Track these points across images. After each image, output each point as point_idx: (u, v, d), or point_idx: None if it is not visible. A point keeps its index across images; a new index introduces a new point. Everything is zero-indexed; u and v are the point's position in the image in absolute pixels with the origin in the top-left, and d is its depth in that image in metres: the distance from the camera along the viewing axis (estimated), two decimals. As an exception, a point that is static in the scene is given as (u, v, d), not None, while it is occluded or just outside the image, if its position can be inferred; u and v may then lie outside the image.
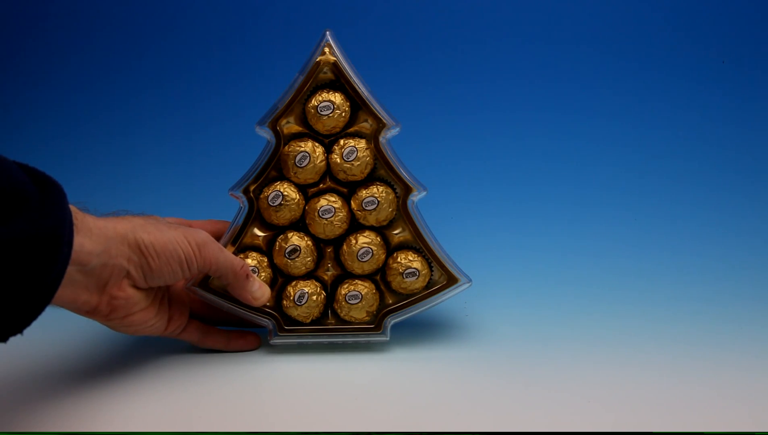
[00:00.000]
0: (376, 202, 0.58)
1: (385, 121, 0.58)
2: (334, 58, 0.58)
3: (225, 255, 0.55)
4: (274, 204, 0.58)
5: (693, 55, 1.00)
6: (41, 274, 0.41)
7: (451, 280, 0.59)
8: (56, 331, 0.62)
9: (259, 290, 0.57)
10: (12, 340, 0.41)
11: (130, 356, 0.58)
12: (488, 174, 0.96)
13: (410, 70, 1.02)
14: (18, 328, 0.41)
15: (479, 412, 0.49)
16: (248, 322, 0.59)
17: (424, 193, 0.59)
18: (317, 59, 0.58)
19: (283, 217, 0.58)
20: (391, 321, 0.59)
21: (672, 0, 1.01)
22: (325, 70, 0.58)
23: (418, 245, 0.59)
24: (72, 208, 0.45)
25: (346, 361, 0.57)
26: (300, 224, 0.60)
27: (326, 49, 0.58)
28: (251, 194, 0.59)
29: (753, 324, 0.64)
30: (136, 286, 0.51)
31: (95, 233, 0.46)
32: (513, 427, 0.47)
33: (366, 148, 0.58)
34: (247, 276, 0.56)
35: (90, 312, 0.50)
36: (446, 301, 0.60)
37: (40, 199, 0.41)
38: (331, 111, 0.57)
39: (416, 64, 1.02)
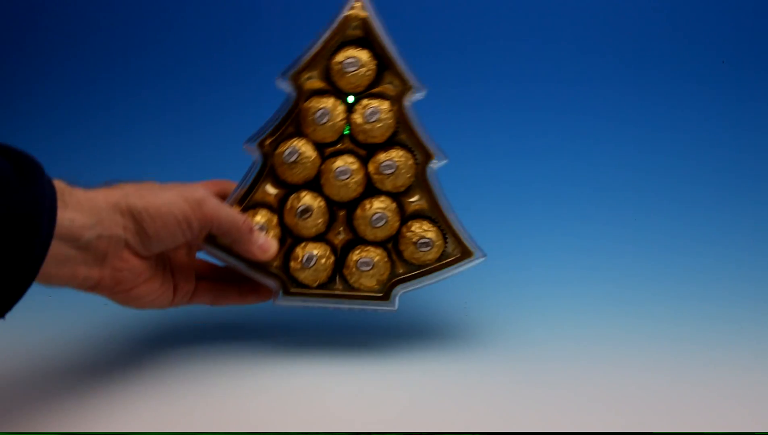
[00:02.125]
0: (395, 166, 0.56)
1: (411, 83, 0.56)
2: (365, 14, 0.55)
3: (226, 210, 0.53)
4: (290, 160, 0.56)
5: (693, 56, 1.00)
6: (21, 254, 0.39)
7: (465, 253, 0.57)
8: (56, 330, 0.62)
9: (266, 243, 0.55)
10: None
11: (130, 356, 0.58)
12: (487, 175, 0.96)
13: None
14: (1, 310, 0.41)
15: (479, 412, 0.49)
16: (256, 282, 0.57)
17: (444, 162, 0.57)
18: (346, 14, 0.55)
19: (298, 174, 0.56)
20: (401, 291, 0.57)
21: (672, 0, 1.01)
22: (354, 25, 0.55)
23: (434, 215, 0.58)
24: (59, 183, 0.43)
25: (346, 361, 0.57)
26: (314, 184, 0.58)
27: (357, 4, 0.55)
28: (267, 148, 0.57)
29: (753, 324, 0.64)
30: (138, 255, 0.49)
31: (86, 205, 0.45)
32: (513, 427, 0.47)
33: (389, 111, 0.56)
34: (251, 230, 0.54)
35: (94, 287, 0.48)
36: (447, 301, 0.59)
37: (14, 178, 0.40)
38: (356, 68, 0.55)
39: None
